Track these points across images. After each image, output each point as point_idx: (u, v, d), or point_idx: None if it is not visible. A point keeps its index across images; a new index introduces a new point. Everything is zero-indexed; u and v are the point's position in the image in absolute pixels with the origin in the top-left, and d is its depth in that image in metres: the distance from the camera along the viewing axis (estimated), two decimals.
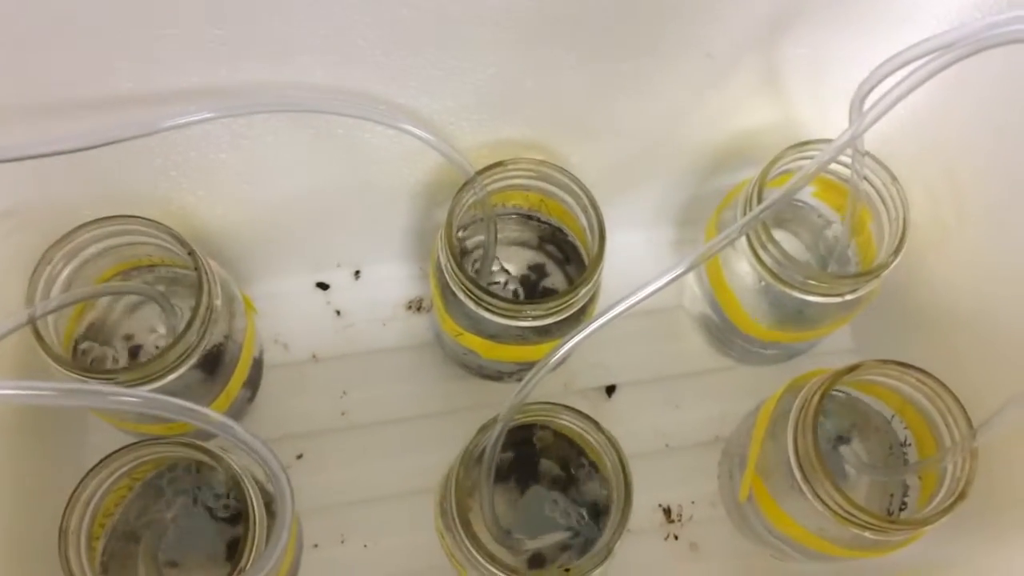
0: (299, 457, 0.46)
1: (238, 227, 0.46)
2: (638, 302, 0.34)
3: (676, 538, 0.46)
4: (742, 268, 0.43)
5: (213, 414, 0.28)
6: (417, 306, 0.50)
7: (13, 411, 0.41)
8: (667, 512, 0.47)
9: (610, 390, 0.49)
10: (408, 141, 0.40)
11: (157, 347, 0.43)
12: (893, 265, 0.39)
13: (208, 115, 0.33)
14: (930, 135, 0.43)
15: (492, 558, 0.34)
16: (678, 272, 0.34)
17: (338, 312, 0.49)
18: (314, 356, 0.48)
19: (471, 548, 0.34)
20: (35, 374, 0.41)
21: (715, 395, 0.49)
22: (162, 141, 0.38)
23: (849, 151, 0.40)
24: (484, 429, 0.37)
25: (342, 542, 0.45)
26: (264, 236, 0.47)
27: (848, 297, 0.40)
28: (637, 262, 0.50)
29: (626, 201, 0.49)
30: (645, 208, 0.50)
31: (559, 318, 0.39)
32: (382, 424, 0.47)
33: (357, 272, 0.50)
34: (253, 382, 0.46)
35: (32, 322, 0.35)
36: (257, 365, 0.46)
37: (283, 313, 0.49)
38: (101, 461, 0.34)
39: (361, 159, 0.43)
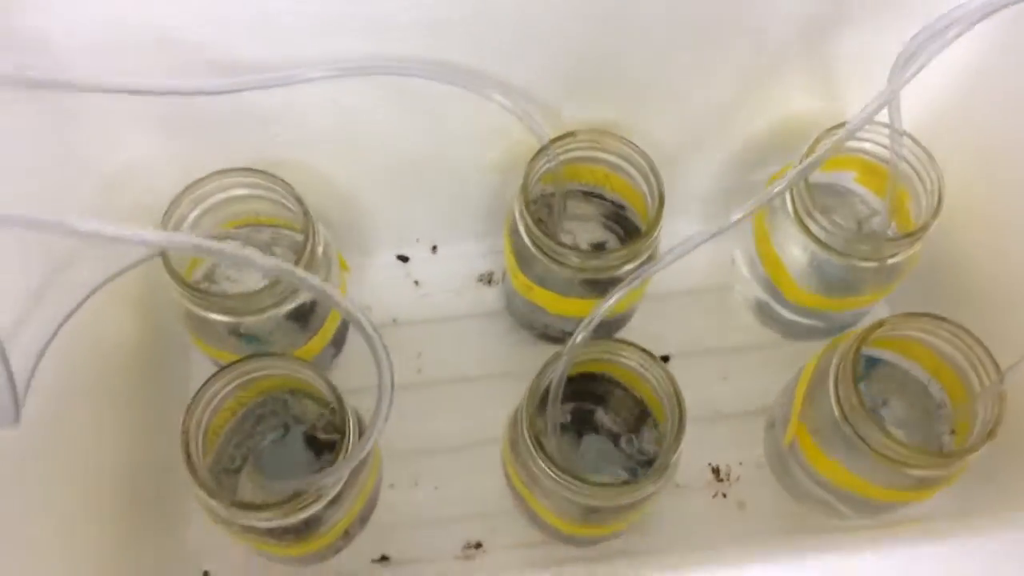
0: None
1: (333, 201, 0.51)
2: (696, 246, 0.39)
3: (724, 496, 0.49)
4: (790, 237, 0.47)
5: (327, 286, 0.33)
6: (488, 279, 0.54)
7: (127, 350, 0.47)
8: (716, 471, 0.50)
9: (664, 359, 0.52)
10: (485, 119, 0.46)
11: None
12: (932, 227, 0.42)
13: (328, 73, 0.38)
14: (964, 115, 0.47)
15: (563, 469, 0.38)
16: (733, 222, 0.39)
17: (416, 282, 0.54)
18: (394, 320, 0.53)
19: (543, 463, 0.38)
20: (154, 309, 0.47)
21: (762, 368, 0.52)
22: (276, 107, 0.44)
23: (887, 132, 0.44)
24: (549, 363, 0.41)
25: (415, 484, 0.49)
26: (354, 212, 0.52)
27: (891, 261, 0.44)
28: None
29: (675, 190, 0.53)
30: (693, 197, 0.54)
31: (620, 271, 0.43)
32: (453, 382, 0.52)
33: (434, 247, 0.55)
34: (339, 340, 0.51)
35: (163, 253, 0.41)
36: (344, 325, 0.51)
37: (368, 282, 0.54)
38: (218, 372, 0.39)
39: (443, 135, 0.48)
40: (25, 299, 0.35)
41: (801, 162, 0.44)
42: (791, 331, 0.53)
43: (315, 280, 0.34)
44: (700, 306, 0.54)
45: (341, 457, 0.37)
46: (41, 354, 0.33)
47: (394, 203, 0.53)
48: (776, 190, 0.39)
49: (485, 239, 0.55)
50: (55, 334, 0.34)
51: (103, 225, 0.27)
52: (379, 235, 0.54)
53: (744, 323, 0.54)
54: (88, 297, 0.37)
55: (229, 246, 0.32)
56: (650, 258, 0.45)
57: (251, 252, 0.32)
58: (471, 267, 0.55)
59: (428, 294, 0.54)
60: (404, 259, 0.55)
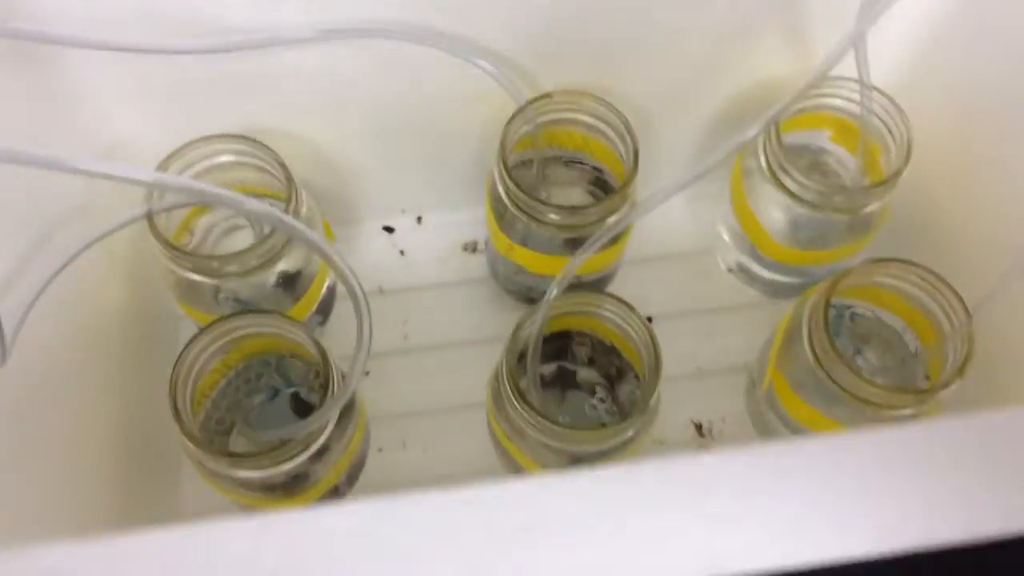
0: (367, 374, 0.52)
1: (319, 173, 0.52)
2: (673, 193, 0.40)
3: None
4: (765, 195, 0.47)
5: (307, 229, 0.34)
6: (472, 248, 0.55)
7: (117, 317, 0.48)
8: (699, 427, 0.51)
9: (647, 320, 0.53)
10: (467, 87, 0.47)
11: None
12: (904, 175, 0.43)
13: (312, 35, 0.39)
14: (931, 69, 0.48)
15: (542, 414, 0.38)
16: (705, 168, 0.40)
17: (402, 252, 0.55)
18: (380, 289, 0.54)
19: (522, 409, 0.39)
20: (145, 280, 0.48)
21: (745, 327, 0.53)
22: (262, 78, 0.45)
23: (857, 87, 0.45)
24: (528, 315, 0.42)
25: (404, 447, 0.50)
26: (340, 183, 0.53)
27: (865, 211, 0.45)
28: (664, 212, 0.55)
29: (655, 156, 0.53)
30: (673, 163, 0.55)
31: (597, 228, 0.44)
32: (439, 347, 0.53)
33: (419, 218, 0.56)
34: (325, 308, 0.52)
35: (149, 216, 0.42)
36: (330, 293, 0.52)
37: (354, 252, 0.55)
38: (207, 326, 0.40)
39: (426, 105, 0.49)
40: (16, 255, 0.36)
41: (775, 117, 0.45)
42: (772, 290, 0.53)
43: (297, 223, 0.35)
44: (682, 270, 0.55)
45: (328, 398, 0.38)
46: (31, 305, 0.34)
47: (379, 174, 0.53)
48: (749, 135, 0.39)
49: (468, 209, 0.56)
50: (45, 287, 0.35)
51: (96, 163, 0.28)
52: (365, 206, 0.55)
53: (726, 285, 0.55)
54: (79, 253, 0.38)
55: (217, 188, 0.33)
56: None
57: (240, 195, 0.33)
58: (455, 236, 0.56)
59: (413, 263, 0.55)
60: (390, 230, 0.56)
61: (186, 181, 0.33)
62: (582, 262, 0.41)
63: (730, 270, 0.55)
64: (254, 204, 0.34)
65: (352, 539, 0.21)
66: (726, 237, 0.53)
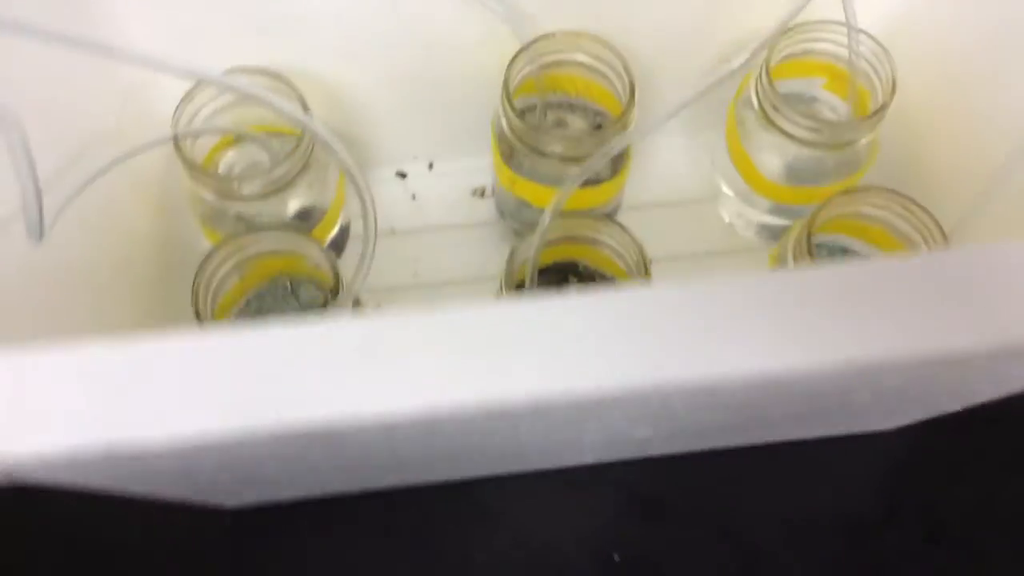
0: (378, 306, 0.54)
1: (335, 119, 0.55)
2: (668, 118, 0.43)
3: None
4: (759, 137, 0.50)
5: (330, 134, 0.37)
6: (481, 193, 0.58)
7: (146, 252, 0.51)
8: None
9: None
10: (476, 36, 0.49)
11: None
12: (890, 107, 0.45)
13: None
14: (919, 15, 0.50)
15: None
16: (697, 94, 0.42)
17: (414, 196, 0.58)
18: (392, 230, 0.57)
19: None
20: (172, 202, 0.51)
21: (742, 268, 0.55)
22: (273, 17, 0.48)
23: (845, 31, 0.47)
24: (523, 239, 0.44)
25: None
26: (355, 129, 0.56)
27: (858, 144, 0.47)
28: (661, 163, 0.58)
29: (654, 106, 0.56)
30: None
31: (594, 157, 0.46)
32: (448, 283, 0.55)
33: (431, 164, 0.59)
34: (338, 245, 0.55)
35: (176, 139, 0.45)
36: (344, 232, 0.55)
37: None
38: (223, 241, 0.43)
39: (437, 54, 0.52)
40: (54, 162, 0.39)
41: (765, 61, 0.48)
42: (770, 234, 0.56)
43: (322, 128, 0.38)
44: (682, 216, 0.57)
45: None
46: (64, 205, 0.37)
47: (391, 120, 0.56)
48: (742, 59, 0.42)
49: (478, 156, 0.58)
50: (78, 193, 0.38)
51: (132, 52, 0.31)
52: (378, 152, 0.58)
53: (724, 231, 0.57)
54: (111, 167, 0.40)
55: (256, 87, 0.35)
56: (626, 154, 0.48)
57: (272, 96, 0.36)
58: (465, 182, 0.59)
59: (424, 207, 0.58)
60: (402, 175, 0.59)
61: (215, 76, 0.36)
62: (580, 181, 0.43)
63: (728, 217, 0.57)
64: (284, 105, 0.36)
65: (352, 347, 0.23)
66: (724, 186, 0.56)
